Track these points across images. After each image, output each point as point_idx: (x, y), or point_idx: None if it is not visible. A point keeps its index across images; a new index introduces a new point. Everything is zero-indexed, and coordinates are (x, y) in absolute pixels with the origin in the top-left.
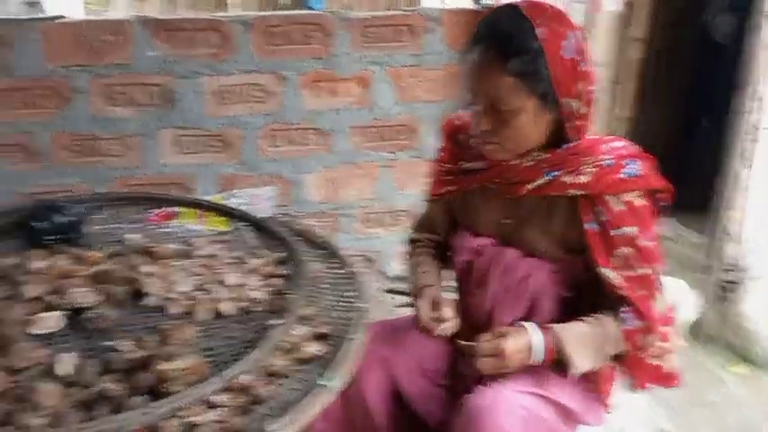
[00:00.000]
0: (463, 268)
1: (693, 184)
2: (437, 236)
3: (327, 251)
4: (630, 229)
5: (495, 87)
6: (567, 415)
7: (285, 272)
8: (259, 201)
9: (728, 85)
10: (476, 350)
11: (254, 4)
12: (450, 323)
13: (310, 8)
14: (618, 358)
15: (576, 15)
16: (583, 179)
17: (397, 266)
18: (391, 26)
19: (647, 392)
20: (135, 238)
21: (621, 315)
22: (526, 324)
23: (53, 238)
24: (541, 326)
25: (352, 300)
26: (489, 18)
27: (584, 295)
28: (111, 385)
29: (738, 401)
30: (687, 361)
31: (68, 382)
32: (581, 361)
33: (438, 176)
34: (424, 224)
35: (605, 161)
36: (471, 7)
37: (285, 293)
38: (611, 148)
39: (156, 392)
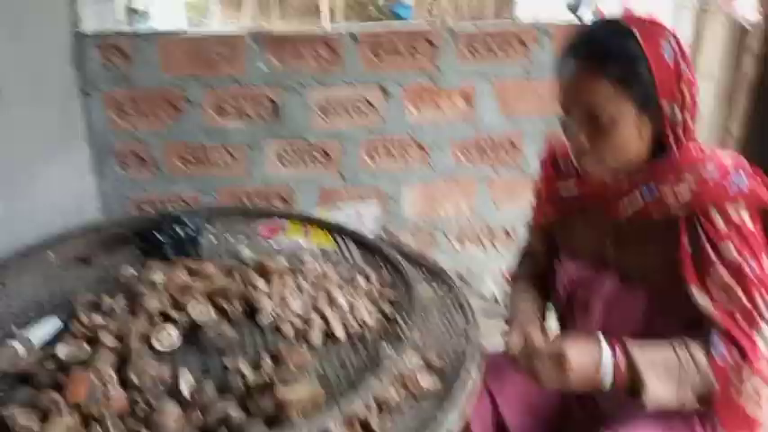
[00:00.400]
0: (565, 297)
1: None
2: (539, 265)
3: (434, 274)
4: (732, 250)
5: (592, 94)
6: None
7: (394, 296)
8: (363, 216)
9: None
10: (533, 351)
11: (346, 14)
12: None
13: (397, 15)
14: (705, 397)
15: (684, 24)
16: (683, 194)
17: (491, 286)
18: (499, 38)
19: None
20: (247, 252)
21: (712, 340)
22: (599, 335)
23: (172, 250)
24: (612, 341)
25: (464, 329)
26: (583, 28)
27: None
28: (231, 410)
29: None
30: None
31: (187, 403)
32: (656, 387)
33: (537, 204)
34: (526, 254)
35: (708, 172)
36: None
37: (396, 319)
38: (714, 158)
39: (273, 420)
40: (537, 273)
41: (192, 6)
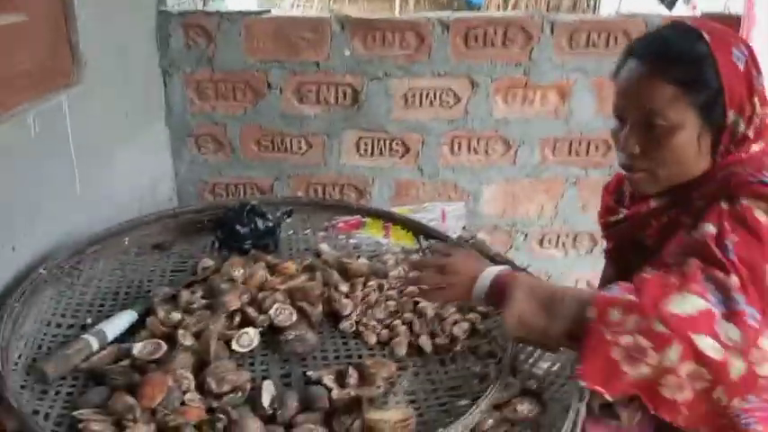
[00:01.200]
0: None
1: None
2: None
3: None
4: (733, 243)
5: (651, 98)
6: None
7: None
8: (447, 217)
9: None
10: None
11: (418, 1)
12: None
13: (469, 3)
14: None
15: None
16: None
17: None
18: (602, 31)
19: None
20: (326, 248)
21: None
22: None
23: (251, 243)
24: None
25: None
26: (650, 33)
27: None
28: (316, 429)
29: None
30: None
31: (268, 417)
32: (520, 305)
33: (603, 232)
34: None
35: (737, 171)
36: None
37: (485, 333)
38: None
39: None
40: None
41: None
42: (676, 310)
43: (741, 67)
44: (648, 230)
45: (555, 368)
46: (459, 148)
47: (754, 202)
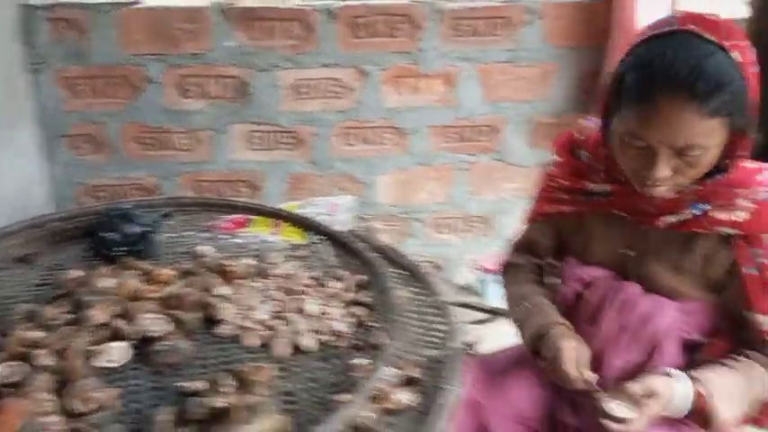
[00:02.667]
0: (570, 300)
1: None
2: (539, 260)
3: (413, 273)
4: None
5: (693, 135)
6: None
7: (369, 299)
8: (338, 211)
9: None
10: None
11: None
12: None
13: None
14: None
15: None
16: (740, 216)
17: (466, 275)
18: (485, 18)
19: None
20: (207, 251)
21: None
22: (670, 374)
23: (123, 250)
24: (689, 375)
25: (443, 335)
26: (663, 54)
27: (720, 339)
28: None
29: None
30: None
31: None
32: (726, 414)
33: (549, 194)
34: (524, 246)
35: (760, 195)
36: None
37: (370, 326)
38: (765, 181)
39: None
40: (538, 269)
41: None
42: None
43: (756, 74)
44: (655, 218)
45: (435, 355)
46: (352, 138)
47: None
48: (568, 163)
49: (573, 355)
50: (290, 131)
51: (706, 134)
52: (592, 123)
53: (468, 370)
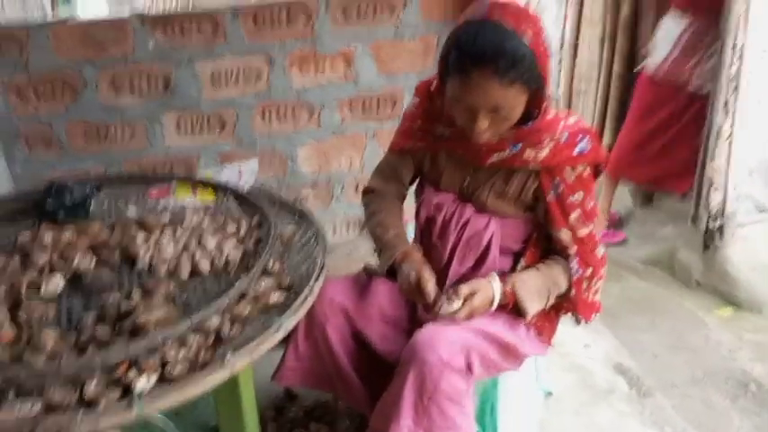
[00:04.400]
0: (426, 220)
1: None
2: (399, 185)
3: (301, 215)
4: (579, 196)
5: (499, 98)
6: (510, 350)
7: (259, 235)
8: (243, 174)
9: None
10: (455, 316)
11: None
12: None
13: None
14: (563, 300)
15: None
16: (543, 154)
17: None
18: (369, 3)
19: (588, 325)
20: (132, 211)
21: (570, 266)
22: (490, 278)
23: (64, 215)
24: (501, 277)
25: (313, 255)
26: (474, 38)
27: (533, 247)
28: (99, 330)
29: (719, 344)
30: (674, 307)
31: (66, 331)
32: (533, 307)
33: (409, 131)
34: (386, 173)
35: (562, 138)
36: None
37: (254, 253)
38: (565, 126)
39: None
40: (399, 193)
41: None
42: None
43: (545, 49)
44: (483, 157)
45: (304, 268)
46: (270, 117)
47: (583, 165)
48: (423, 106)
49: (429, 277)
50: (214, 116)
51: (509, 97)
52: None
53: (335, 281)
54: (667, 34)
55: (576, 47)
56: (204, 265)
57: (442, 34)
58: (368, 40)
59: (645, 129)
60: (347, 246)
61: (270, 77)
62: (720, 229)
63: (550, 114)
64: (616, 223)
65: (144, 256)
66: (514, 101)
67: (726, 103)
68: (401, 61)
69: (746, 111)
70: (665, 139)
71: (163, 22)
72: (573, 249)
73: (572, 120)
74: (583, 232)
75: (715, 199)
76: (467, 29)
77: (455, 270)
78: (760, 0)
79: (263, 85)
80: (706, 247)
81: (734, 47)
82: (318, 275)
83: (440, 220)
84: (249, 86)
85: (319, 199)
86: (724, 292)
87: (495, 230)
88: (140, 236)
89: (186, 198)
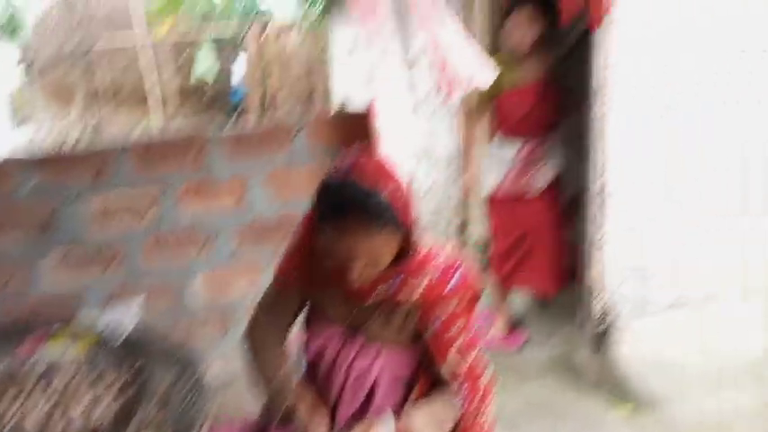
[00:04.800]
0: (314, 356)
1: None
2: (284, 317)
3: (184, 361)
4: (456, 329)
5: (372, 248)
6: None
7: (137, 386)
8: (125, 315)
9: None
10: None
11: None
12: None
13: (233, 100)
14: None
15: None
16: (418, 291)
17: None
18: (261, 137)
19: None
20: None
21: (461, 396)
22: (385, 416)
23: None
24: (396, 413)
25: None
26: (336, 196)
27: (423, 376)
28: None
29: None
30: (574, 410)
31: None
32: None
33: (299, 260)
34: (270, 305)
35: (434, 276)
36: (323, 116)
37: (131, 411)
38: (436, 264)
39: None
40: (284, 328)
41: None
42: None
43: (409, 198)
44: (365, 296)
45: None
46: (160, 249)
47: (455, 300)
48: (305, 242)
49: (319, 423)
50: (101, 251)
51: (375, 247)
52: None
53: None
54: (501, 159)
55: None
56: (77, 425)
57: (335, 157)
58: (261, 168)
59: (505, 244)
60: (244, 379)
61: (161, 209)
62: (606, 331)
63: (422, 253)
64: (515, 324)
65: (11, 422)
66: (381, 250)
67: (595, 216)
68: (295, 187)
69: (617, 219)
70: (525, 249)
71: (44, 162)
72: (456, 383)
73: (444, 254)
74: (463, 366)
75: (597, 305)
76: (331, 187)
77: (344, 412)
78: (616, 115)
79: (153, 217)
80: (597, 348)
81: (600, 166)
82: (201, 427)
83: (326, 361)
84: (140, 220)
85: (216, 329)
86: (621, 391)
87: (384, 364)
88: (10, 392)
89: (61, 350)
